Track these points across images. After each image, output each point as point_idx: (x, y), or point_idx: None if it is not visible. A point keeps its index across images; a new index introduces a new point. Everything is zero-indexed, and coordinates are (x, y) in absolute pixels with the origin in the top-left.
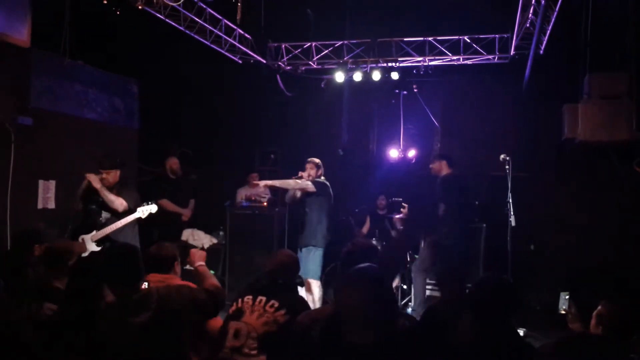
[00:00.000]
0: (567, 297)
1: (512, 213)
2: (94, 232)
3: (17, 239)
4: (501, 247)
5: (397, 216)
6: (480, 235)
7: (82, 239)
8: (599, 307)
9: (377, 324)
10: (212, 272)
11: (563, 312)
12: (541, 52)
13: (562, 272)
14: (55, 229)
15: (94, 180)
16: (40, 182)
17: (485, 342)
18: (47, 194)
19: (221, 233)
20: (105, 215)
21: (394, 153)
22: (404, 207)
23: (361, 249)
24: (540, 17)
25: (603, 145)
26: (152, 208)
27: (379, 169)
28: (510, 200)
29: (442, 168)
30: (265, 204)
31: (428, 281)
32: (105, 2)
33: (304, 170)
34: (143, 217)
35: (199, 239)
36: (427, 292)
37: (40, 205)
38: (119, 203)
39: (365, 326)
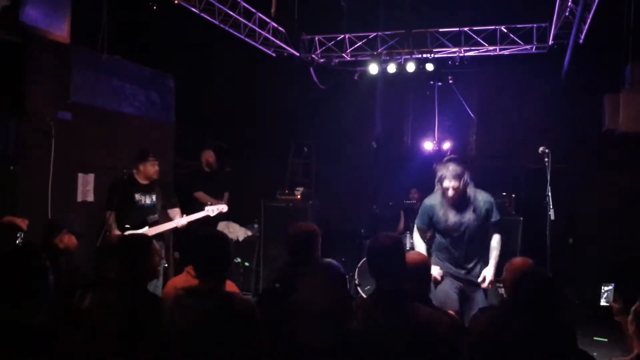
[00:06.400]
0: (607, 288)
1: (551, 206)
2: (146, 228)
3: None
4: (539, 241)
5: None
6: (518, 229)
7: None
8: (637, 304)
9: (332, 324)
10: (247, 264)
11: (606, 304)
12: (581, 41)
13: (601, 265)
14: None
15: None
16: (80, 176)
17: (535, 339)
18: (86, 187)
19: (256, 225)
20: (156, 215)
21: (428, 145)
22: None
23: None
24: (580, 5)
25: None
26: (223, 208)
27: (413, 161)
28: (550, 194)
29: None
30: (299, 197)
31: None
32: None
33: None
34: (212, 215)
35: (234, 231)
36: None
37: (79, 199)
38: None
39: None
